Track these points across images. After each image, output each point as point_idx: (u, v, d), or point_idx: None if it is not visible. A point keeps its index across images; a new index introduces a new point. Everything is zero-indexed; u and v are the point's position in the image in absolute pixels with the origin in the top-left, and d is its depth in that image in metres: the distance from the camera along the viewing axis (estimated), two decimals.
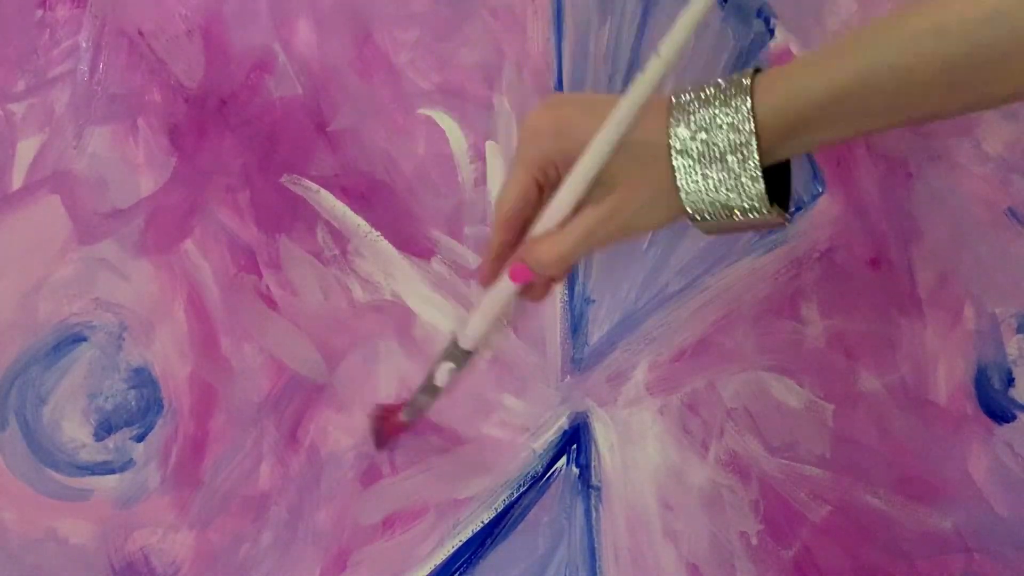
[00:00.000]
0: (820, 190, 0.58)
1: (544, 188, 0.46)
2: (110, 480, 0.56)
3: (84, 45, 0.59)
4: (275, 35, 0.59)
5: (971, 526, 0.56)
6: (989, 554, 0.56)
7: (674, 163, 0.43)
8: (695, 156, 0.43)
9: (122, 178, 0.58)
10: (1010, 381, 0.57)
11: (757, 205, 0.43)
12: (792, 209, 0.45)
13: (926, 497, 0.56)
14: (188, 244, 0.58)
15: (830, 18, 0.59)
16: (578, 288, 0.58)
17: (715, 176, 0.43)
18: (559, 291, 0.58)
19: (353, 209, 0.58)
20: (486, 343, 0.49)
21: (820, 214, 0.58)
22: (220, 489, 0.56)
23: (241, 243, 0.58)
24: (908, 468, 0.56)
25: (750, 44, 0.59)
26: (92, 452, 0.57)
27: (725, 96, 0.42)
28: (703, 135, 0.42)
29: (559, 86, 0.59)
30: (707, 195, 0.43)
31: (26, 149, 0.58)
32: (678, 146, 0.43)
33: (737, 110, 0.42)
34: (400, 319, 0.58)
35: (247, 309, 0.57)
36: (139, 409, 0.57)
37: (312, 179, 0.58)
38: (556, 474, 0.57)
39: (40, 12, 0.59)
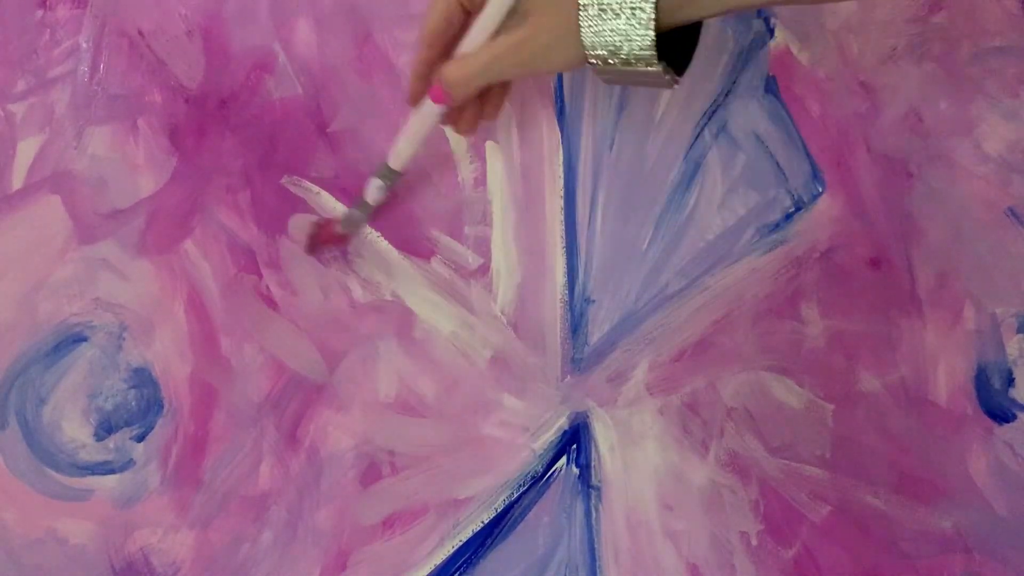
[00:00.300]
0: (820, 190, 0.58)
1: (471, 12, 0.50)
2: (110, 480, 0.56)
3: (84, 45, 0.59)
4: (275, 35, 0.59)
5: (971, 526, 0.56)
6: (989, 554, 0.56)
7: (580, 6, 0.46)
8: (598, 5, 0.46)
9: (122, 178, 0.58)
10: (1010, 381, 0.57)
11: (647, 56, 0.46)
12: (681, 75, 0.49)
13: (926, 497, 0.56)
14: (188, 244, 0.58)
15: (830, 18, 0.60)
16: (578, 288, 0.58)
17: (612, 23, 0.46)
18: (559, 291, 0.58)
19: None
20: (411, 162, 0.54)
21: (820, 214, 0.58)
22: (220, 489, 0.56)
23: (241, 243, 0.58)
24: (908, 468, 0.56)
25: (750, 44, 0.59)
26: (92, 452, 0.57)
27: None
28: None
29: (559, 86, 0.59)
30: (603, 39, 0.46)
31: (26, 149, 0.58)
32: None
33: None
34: (400, 319, 0.58)
35: (247, 309, 0.58)
36: (139, 409, 0.57)
37: (312, 180, 0.58)
38: (556, 474, 0.57)
39: (40, 12, 0.59)
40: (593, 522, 0.57)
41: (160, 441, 0.57)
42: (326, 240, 0.57)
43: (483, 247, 0.58)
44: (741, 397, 0.57)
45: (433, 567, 0.56)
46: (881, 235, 0.58)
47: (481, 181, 0.59)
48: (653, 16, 0.45)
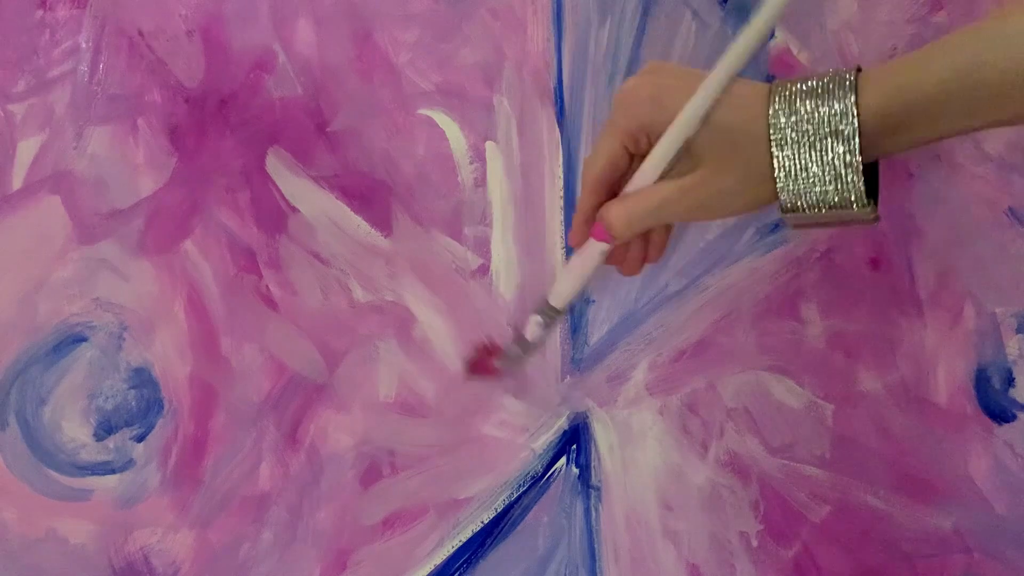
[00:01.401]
0: None
1: (635, 156, 0.47)
2: (110, 480, 0.57)
3: (84, 45, 0.59)
4: (275, 35, 0.59)
5: (971, 526, 0.56)
6: (989, 554, 0.56)
7: (773, 151, 0.43)
8: (795, 146, 0.43)
9: (122, 178, 0.58)
10: (1010, 381, 0.57)
11: (854, 199, 0.43)
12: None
13: (926, 497, 0.56)
14: (188, 244, 0.58)
15: (830, 18, 0.59)
16: None
17: (814, 168, 0.43)
18: None
19: (353, 209, 0.58)
20: (573, 301, 0.52)
21: None
22: (220, 489, 0.56)
23: (241, 243, 0.58)
24: (908, 468, 0.56)
25: None
26: (92, 452, 0.57)
27: (830, 87, 0.43)
28: (805, 126, 0.43)
29: (559, 86, 0.59)
30: (804, 186, 0.43)
31: (26, 149, 0.58)
32: (778, 135, 0.43)
33: (842, 102, 0.42)
34: (400, 319, 0.58)
35: (247, 309, 0.58)
36: (139, 409, 0.57)
37: (312, 179, 0.58)
38: (556, 474, 0.57)
39: (40, 12, 0.59)
40: (593, 522, 0.57)
41: (160, 441, 0.57)
42: (482, 369, 0.56)
43: (483, 247, 0.58)
44: (741, 397, 0.57)
45: (433, 567, 0.56)
46: (881, 235, 0.58)
47: (481, 181, 0.59)
48: (859, 158, 0.42)
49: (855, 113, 0.42)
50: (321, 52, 0.59)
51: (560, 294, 0.51)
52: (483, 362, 0.56)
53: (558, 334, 0.58)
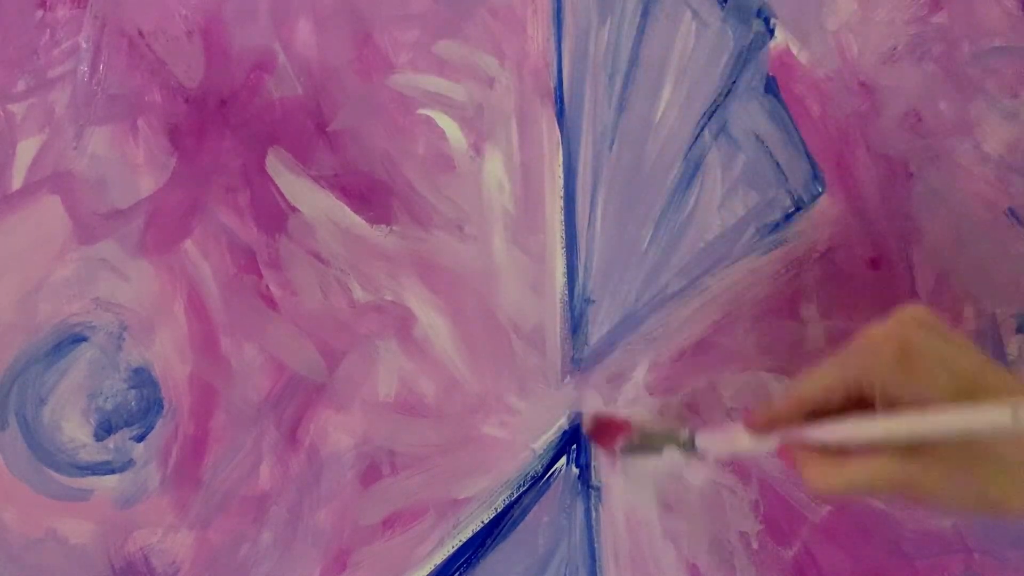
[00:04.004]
0: (820, 190, 0.58)
1: (863, 401, 0.44)
2: (110, 480, 0.56)
3: (84, 46, 0.59)
4: (275, 35, 0.59)
5: (971, 526, 0.56)
6: (989, 554, 0.56)
7: None
8: None
9: (122, 178, 0.58)
10: None
11: None
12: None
13: None
14: (188, 244, 0.58)
15: (830, 18, 0.60)
16: (578, 288, 0.58)
17: None
18: (559, 291, 0.58)
19: (353, 209, 0.58)
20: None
21: (820, 214, 0.58)
22: (220, 489, 0.56)
23: (241, 243, 0.58)
24: None
25: (750, 44, 0.59)
26: (92, 452, 0.57)
27: None
28: None
29: (559, 86, 0.59)
30: None
31: (26, 149, 0.58)
32: None
33: None
34: (400, 319, 0.58)
35: (247, 309, 0.57)
36: (139, 409, 0.57)
37: (312, 179, 0.58)
38: (556, 474, 0.57)
39: (40, 12, 0.59)
40: (593, 522, 0.57)
41: (160, 441, 0.57)
42: (601, 442, 0.55)
43: (483, 247, 0.58)
44: (741, 397, 0.57)
45: (433, 567, 0.56)
46: (881, 235, 0.58)
47: (481, 181, 0.59)
48: None
49: None
50: (321, 52, 0.59)
51: (704, 448, 0.49)
52: (604, 437, 0.54)
53: (558, 334, 0.58)
